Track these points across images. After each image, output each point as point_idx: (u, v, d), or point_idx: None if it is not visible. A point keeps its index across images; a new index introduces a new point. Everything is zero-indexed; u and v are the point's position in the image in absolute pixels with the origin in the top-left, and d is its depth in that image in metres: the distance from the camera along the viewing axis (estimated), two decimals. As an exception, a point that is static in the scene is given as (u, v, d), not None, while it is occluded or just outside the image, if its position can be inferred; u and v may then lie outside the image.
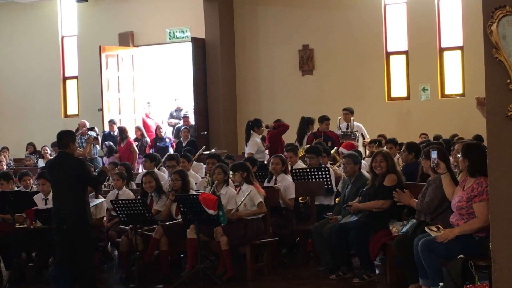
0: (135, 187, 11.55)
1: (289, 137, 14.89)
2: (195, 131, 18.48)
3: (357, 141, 14.26)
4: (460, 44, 17.02)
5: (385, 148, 11.65)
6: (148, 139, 18.12)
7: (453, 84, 17.21)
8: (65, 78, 21.47)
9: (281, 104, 18.42)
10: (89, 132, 16.44)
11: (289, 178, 10.35)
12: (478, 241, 6.86)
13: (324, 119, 14.43)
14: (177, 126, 18.83)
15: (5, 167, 15.77)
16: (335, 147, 13.19)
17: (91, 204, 9.75)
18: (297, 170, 10.98)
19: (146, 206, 9.30)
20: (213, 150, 14.44)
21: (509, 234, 6.13)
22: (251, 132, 14.36)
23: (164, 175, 12.01)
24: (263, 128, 14.53)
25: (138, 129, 18.22)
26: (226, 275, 9.08)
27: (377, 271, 8.93)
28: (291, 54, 18.53)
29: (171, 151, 16.31)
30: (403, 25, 17.60)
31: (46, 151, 16.95)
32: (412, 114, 17.38)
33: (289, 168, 11.28)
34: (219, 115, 18.79)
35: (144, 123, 19.93)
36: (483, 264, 6.71)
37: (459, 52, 17.09)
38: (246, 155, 13.41)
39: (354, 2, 17.87)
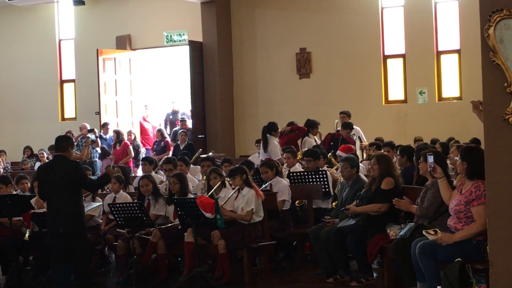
0: (133, 190, 11.52)
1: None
2: (193, 134, 18.48)
3: (355, 145, 14.25)
4: (457, 47, 17.04)
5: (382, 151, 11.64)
6: (140, 143, 18.19)
7: (450, 87, 17.24)
8: (62, 82, 21.47)
9: (278, 108, 18.42)
10: (88, 135, 16.47)
11: (283, 180, 10.35)
12: (476, 244, 6.86)
13: (347, 127, 14.32)
14: (174, 129, 18.85)
15: (1, 170, 15.75)
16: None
17: (89, 208, 9.76)
18: (294, 174, 10.97)
19: (143, 210, 9.29)
20: (210, 154, 14.41)
21: (507, 238, 6.13)
22: (268, 136, 14.00)
23: (161, 177, 12.01)
24: (279, 131, 14.32)
25: (130, 133, 18.29)
26: (223, 278, 9.07)
27: (374, 275, 8.92)
28: (289, 57, 18.55)
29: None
30: (400, 28, 17.63)
31: (42, 155, 16.94)
32: (410, 117, 17.40)
33: (287, 171, 11.30)
34: (216, 119, 18.79)
35: (141, 127, 19.97)
36: (480, 268, 6.69)
37: (456, 55, 17.12)
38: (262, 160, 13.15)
39: (351, 5, 17.89)
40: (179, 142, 17.10)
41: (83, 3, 19.24)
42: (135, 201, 9.78)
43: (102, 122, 18.83)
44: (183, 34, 19.47)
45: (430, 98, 17.19)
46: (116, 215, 9.41)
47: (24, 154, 18.61)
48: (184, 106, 20.03)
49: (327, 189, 10.58)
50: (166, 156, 14.76)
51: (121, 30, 20.16)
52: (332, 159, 12.41)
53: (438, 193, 7.44)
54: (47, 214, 8.42)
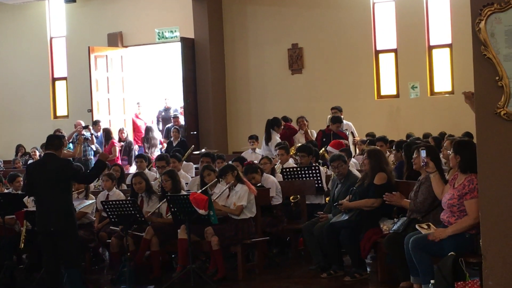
0: (125, 187, 11.51)
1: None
2: (185, 131, 18.47)
3: (347, 138, 14.25)
4: (449, 41, 17.06)
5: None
6: (132, 140, 18.16)
7: (442, 81, 17.25)
8: (54, 79, 21.41)
9: (270, 103, 18.41)
10: (83, 132, 16.43)
11: (270, 176, 10.36)
12: (469, 238, 6.87)
13: (336, 121, 14.28)
14: (167, 126, 18.84)
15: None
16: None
17: (82, 205, 9.75)
18: (287, 169, 10.98)
19: (136, 207, 9.27)
20: (203, 150, 14.41)
21: (499, 231, 6.15)
22: (271, 131, 14.04)
23: (154, 175, 12.00)
24: (282, 127, 14.37)
25: (122, 130, 18.28)
26: (217, 275, 9.07)
27: (368, 269, 8.94)
28: (281, 53, 18.53)
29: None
30: (391, 23, 17.62)
31: (35, 153, 16.90)
32: (402, 112, 17.41)
33: (280, 167, 11.31)
34: (209, 115, 18.77)
35: (134, 124, 19.95)
36: (474, 261, 6.71)
37: (447, 49, 17.13)
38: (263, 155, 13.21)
39: (342, 1, 17.88)
40: (172, 139, 17.09)
41: (74, 1, 19.19)
42: (128, 198, 9.76)
43: (94, 120, 18.79)
44: (175, 31, 19.43)
45: (422, 93, 17.20)
46: (109, 213, 9.39)
47: (18, 152, 18.53)
48: (176, 103, 20.00)
49: (320, 185, 10.59)
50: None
51: (112, 28, 20.11)
52: (326, 154, 12.41)
53: (432, 187, 7.45)
54: (37, 213, 8.37)
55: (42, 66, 21.20)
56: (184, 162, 13.01)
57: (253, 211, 9.34)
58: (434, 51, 17.30)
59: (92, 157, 17.00)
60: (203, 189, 9.44)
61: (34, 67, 21.13)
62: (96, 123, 18.15)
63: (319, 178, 10.60)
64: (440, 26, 17.19)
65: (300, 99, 18.06)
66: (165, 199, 9.38)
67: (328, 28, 17.99)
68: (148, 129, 19.46)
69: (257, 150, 14.29)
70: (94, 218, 10.41)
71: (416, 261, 7.06)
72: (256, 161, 11.24)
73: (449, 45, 17.06)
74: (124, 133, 18.20)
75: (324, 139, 13.92)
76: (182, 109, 19.40)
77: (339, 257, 8.93)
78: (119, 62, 20.03)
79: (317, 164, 11.16)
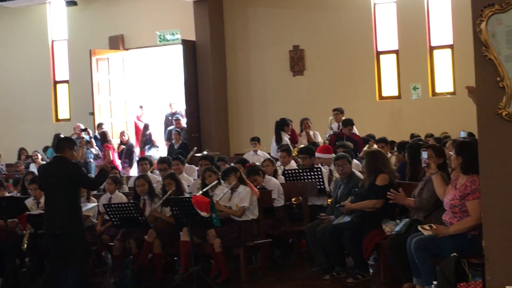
0: (127, 190, 11.52)
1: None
2: (187, 133, 18.47)
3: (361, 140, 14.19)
4: (450, 42, 17.05)
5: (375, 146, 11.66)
6: (133, 143, 18.17)
7: (444, 82, 17.24)
8: (55, 82, 21.44)
9: (272, 105, 18.42)
10: (83, 135, 16.43)
11: (272, 179, 10.37)
12: (471, 239, 6.87)
13: (348, 124, 14.20)
14: (168, 128, 18.85)
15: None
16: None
17: (84, 208, 9.75)
18: (289, 171, 10.98)
19: (139, 210, 9.28)
20: (205, 152, 14.42)
21: (502, 232, 6.14)
22: (281, 132, 14.11)
23: (157, 177, 11.99)
24: (290, 127, 14.45)
25: (123, 133, 18.28)
26: (220, 277, 9.07)
27: (371, 271, 8.94)
28: (282, 55, 18.54)
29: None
30: (393, 24, 17.63)
31: (37, 156, 16.90)
32: (404, 113, 17.40)
33: (282, 169, 11.31)
34: (210, 117, 18.78)
35: (136, 126, 19.96)
36: (476, 262, 6.70)
37: (449, 50, 17.13)
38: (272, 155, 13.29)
39: (343, 2, 17.88)
40: (173, 142, 17.09)
41: (76, 4, 19.22)
42: (131, 201, 9.77)
43: (96, 123, 18.80)
44: (176, 33, 19.44)
45: (423, 94, 17.20)
46: (111, 216, 9.40)
47: (21, 156, 18.54)
48: (178, 105, 20.00)
49: (322, 186, 10.59)
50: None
51: (113, 30, 20.13)
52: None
53: (437, 186, 7.44)
54: (45, 215, 8.42)
55: (44, 69, 21.24)
56: (187, 165, 13.01)
57: (256, 213, 9.34)
58: (436, 52, 17.30)
59: (91, 160, 17.01)
60: (203, 190, 9.43)
61: (35, 70, 21.15)
62: (99, 126, 18.17)
63: (321, 179, 10.60)
64: (442, 27, 17.19)
65: (302, 101, 18.06)
66: (164, 197, 9.42)
67: (329, 29, 17.99)
68: (146, 127, 19.57)
69: (259, 152, 14.32)
70: (96, 221, 10.43)
71: (419, 262, 7.05)
72: (258, 163, 11.24)
73: (451, 46, 17.05)
74: (125, 135, 18.21)
75: (337, 143, 13.87)
76: (184, 112, 19.40)
77: (341, 259, 8.93)
78: (120, 65, 20.06)
79: (319, 167, 11.14)
